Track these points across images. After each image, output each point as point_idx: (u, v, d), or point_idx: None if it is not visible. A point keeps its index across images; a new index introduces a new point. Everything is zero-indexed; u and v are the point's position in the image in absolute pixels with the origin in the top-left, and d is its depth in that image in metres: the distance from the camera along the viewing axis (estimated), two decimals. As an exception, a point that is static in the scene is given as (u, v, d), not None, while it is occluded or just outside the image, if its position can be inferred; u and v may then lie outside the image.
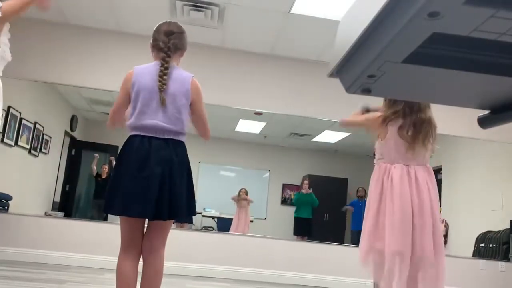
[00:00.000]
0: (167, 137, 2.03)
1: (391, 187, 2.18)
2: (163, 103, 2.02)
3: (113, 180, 2.01)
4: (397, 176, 2.18)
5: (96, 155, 6.45)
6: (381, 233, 2.17)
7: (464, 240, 5.86)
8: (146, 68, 2.11)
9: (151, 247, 2.04)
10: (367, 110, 2.44)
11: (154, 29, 2.19)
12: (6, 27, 2.22)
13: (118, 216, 2.03)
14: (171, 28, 2.16)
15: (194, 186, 2.12)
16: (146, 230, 2.07)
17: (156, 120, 2.02)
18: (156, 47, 2.15)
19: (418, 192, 2.15)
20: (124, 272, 1.97)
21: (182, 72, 2.13)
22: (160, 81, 2.03)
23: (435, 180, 2.26)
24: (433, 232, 2.13)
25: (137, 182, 1.93)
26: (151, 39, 2.18)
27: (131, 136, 2.05)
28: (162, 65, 2.06)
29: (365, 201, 2.39)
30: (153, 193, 1.93)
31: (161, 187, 1.95)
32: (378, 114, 2.34)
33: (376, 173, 2.31)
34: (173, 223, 2.20)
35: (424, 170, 2.22)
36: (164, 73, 2.05)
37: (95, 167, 6.39)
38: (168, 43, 2.11)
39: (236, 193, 6.78)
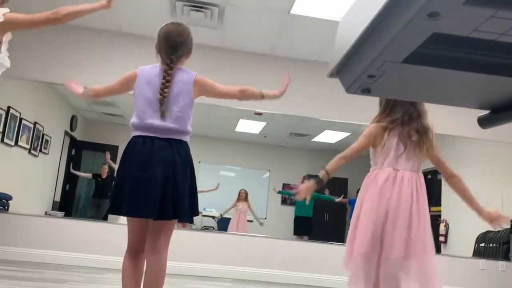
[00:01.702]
0: (169, 137, 2.03)
1: (374, 191, 2.18)
2: (162, 115, 2.02)
3: (117, 181, 2.02)
4: (382, 179, 2.18)
5: (108, 152, 6.28)
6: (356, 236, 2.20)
7: (464, 240, 5.86)
8: (151, 69, 2.12)
9: (154, 248, 2.04)
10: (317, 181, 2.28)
11: (160, 31, 2.17)
12: (7, 37, 2.28)
13: (120, 217, 2.04)
14: (176, 38, 2.12)
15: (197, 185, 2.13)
16: (149, 231, 2.06)
17: (157, 119, 2.02)
18: (159, 53, 2.15)
19: (399, 193, 2.13)
20: (129, 272, 1.99)
21: (186, 73, 2.13)
22: (161, 94, 2.03)
23: (424, 187, 2.23)
24: (409, 237, 2.11)
25: (140, 183, 1.94)
26: (157, 40, 2.17)
27: (134, 137, 2.05)
28: (164, 78, 2.06)
29: None
30: (156, 193, 1.93)
31: (164, 187, 1.95)
32: (373, 127, 2.30)
33: (365, 179, 2.32)
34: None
35: (413, 175, 2.21)
36: (165, 86, 2.05)
37: (111, 162, 6.19)
38: (171, 55, 2.10)
39: (236, 193, 6.76)
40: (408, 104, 2.24)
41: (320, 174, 2.24)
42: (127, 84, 2.14)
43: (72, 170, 6.27)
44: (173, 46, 2.11)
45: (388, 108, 2.29)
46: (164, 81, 2.05)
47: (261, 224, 6.50)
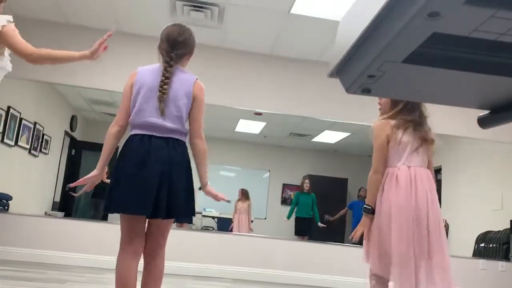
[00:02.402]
0: (167, 135, 2.02)
1: (397, 189, 2.18)
2: (162, 112, 2.02)
3: (113, 179, 2.01)
4: (402, 177, 2.19)
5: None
6: (386, 235, 2.18)
7: (464, 240, 5.86)
8: (150, 68, 2.11)
9: (152, 248, 2.04)
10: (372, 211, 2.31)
11: (162, 32, 2.17)
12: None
13: (119, 215, 2.03)
14: (175, 35, 2.13)
15: (194, 186, 2.12)
16: (147, 231, 2.06)
17: (156, 117, 2.02)
18: (160, 53, 2.15)
19: (415, 193, 2.16)
20: (123, 271, 1.97)
21: (187, 74, 2.13)
22: (160, 91, 2.03)
23: (434, 184, 2.27)
24: (432, 235, 2.13)
25: (135, 180, 1.94)
26: (159, 42, 2.17)
27: (131, 135, 2.04)
28: (163, 75, 2.06)
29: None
30: (151, 191, 1.93)
31: (160, 186, 1.94)
32: (378, 129, 2.31)
33: (384, 180, 2.31)
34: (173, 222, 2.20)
35: (423, 171, 2.24)
36: (165, 83, 2.04)
37: (105, 167, 6.30)
38: (171, 53, 2.10)
39: (236, 193, 6.76)
40: (420, 107, 2.30)
41: (369, 210, 2.23)
42: (132, 88, 2.10)
43: (72, 193, 6.27)
44: (174, 44, 2.12)
45: (408, 106, 2.30)
46: (163, 77, 2.05)
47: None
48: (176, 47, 2.11)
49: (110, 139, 2.09)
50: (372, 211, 2.22)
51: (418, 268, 2.12)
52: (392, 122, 2.28)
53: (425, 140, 2.27)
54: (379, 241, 2.20)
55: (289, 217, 6.79)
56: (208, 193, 2.17)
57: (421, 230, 2.12)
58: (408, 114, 2.29)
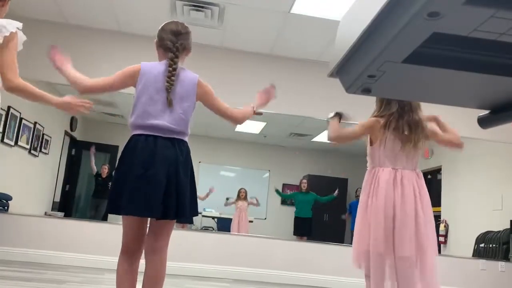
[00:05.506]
0: (172, 136, 2.02)
1: (377, 190, 2.20)
2: (170, 104, 2.01)
3: (117, 179, 1.97)
4: (383, 179, 2.20)
5: (93, 151, 6.47)
6: (367, 235, 2.22)
7: (464, 240, 5.86)
8: (154, 67, 2.09)
9: (155, 248, 2.01)
10: (340, 116, 2.42)
11: (160, 28, 2.18)
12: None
13: (121, 217, 2.02)
14: (179, 28, 2.15)
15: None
16: (149, 230, 2.04)
17: (162, 120, 2.00)
18: (162, 46, 2.13)
19: (402, 196, 2.16)
20: (125, 274, 1.97)
21: (189, 73, 2.13)
22: (168, 82, 2.02)
23: (424, 184, 2.26)
24: (417, 234, 2.14)
25: (143, 181, 1.91)
26: (157, 38, 2.17)
27: (134, 136, 2.02)
28: (170, 66, 2.05)
29: None
30: (159, 192, 1.91)
31: (168, 186, 1.93)
32: (371, 120, 2.33)
33: (366, 177, 2.34)
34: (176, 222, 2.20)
35: (412, 174, 2.23)
36: (172, 74, 2.04)
37: (94, 166, 6.40)
38: (176, 43, 2.10)
39: (236, 194, 6.78)
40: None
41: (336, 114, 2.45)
42: (128, 81, 2.07)
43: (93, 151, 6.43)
44: (178, 35, 2.13)
45: (384, 104, 2.31)
46: (170, 69, 2.04)
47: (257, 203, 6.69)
48: (180, 37, 2.12)
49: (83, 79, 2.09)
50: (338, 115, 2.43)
51: (393, 266, 2.14)
52: (379, 119, 2.31)
53: (408, 139, 2.24)
54: (360, 240, 2.25)
55: (277, 191, 6.99)
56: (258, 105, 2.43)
57: (407, 228, 2.13)
58: (388, 108, 2.30)
